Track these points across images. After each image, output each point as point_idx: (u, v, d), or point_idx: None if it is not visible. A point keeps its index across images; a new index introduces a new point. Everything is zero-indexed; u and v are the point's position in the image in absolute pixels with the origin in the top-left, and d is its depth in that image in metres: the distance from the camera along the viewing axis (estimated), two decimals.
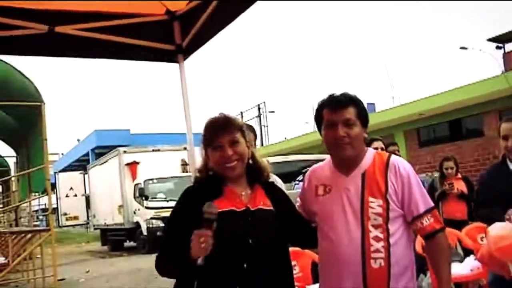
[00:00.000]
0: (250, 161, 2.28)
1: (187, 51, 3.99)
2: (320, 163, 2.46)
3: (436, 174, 7.06)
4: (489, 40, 19.12)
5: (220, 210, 2.04)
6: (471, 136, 15.94)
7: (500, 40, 18.59)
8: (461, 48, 25.79)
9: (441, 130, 17.16)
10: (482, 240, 4.85)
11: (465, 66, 79.20)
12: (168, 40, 3.99)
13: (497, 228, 3.00)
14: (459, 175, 6.85)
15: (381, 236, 2.12)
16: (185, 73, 4.01)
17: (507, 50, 17.99)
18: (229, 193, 2.19)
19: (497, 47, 19.29)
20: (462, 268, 4.96)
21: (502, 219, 3.11)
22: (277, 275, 2.21)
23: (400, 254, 2.15)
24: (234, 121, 2.26)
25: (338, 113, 2.19)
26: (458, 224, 6.00)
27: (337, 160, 2.29)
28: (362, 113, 2.25)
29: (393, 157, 2.29)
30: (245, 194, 2.22)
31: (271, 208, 2.27)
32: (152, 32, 3.94)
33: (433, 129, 17.43)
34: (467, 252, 5.36)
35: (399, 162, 2.26)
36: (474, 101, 14.87)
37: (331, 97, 2.26)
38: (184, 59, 4.01)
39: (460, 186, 6.63)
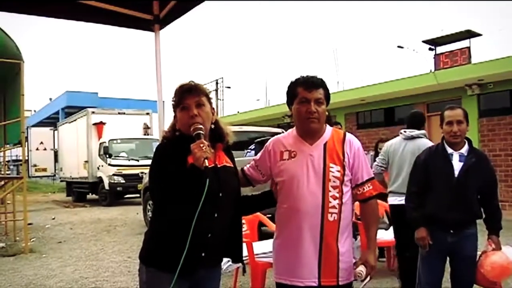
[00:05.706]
0: (212, 126, 2.27)
1: (164, 22, 3.90)
2: (282, 135, 2.57)
3: (372, 153, 7.24)
4: (424, 41, 19.50)
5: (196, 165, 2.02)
6: (402, 123, 16.21)
7: (433, 42, 18.97)
8: (398, 46, 26.43)
9: (377, 115, 17.41)
10: None
11: (401, 62, 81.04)
12: (147, 10, 3.89)
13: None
14: None
15: (337, 195, 2.33)
16: (160, 42, 3.91)
17: (438, 52, 18.38)
18: None
19: (430, 49, 19.67)
20: (387, 235, 5.16)
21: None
22: (235, 224, 2.34)
23: (347, 212, 2.38)
24: (201, 86, 2.26)
25: (312, 92, 2.35)
26: (386, 197, 6.18)
27: (303, 131, 2.42)
28: (328, 95, 2.43)
29: (347, 134, 2.49)
30: (211, 153, 2.20)
31: (232, 166, 2.35)
32: (133, 1, 3.83)
33: (370, 114, 17.72)
34: None
35: (352, 138, 2.47)
36: (406, 93, 15.17)
37: (307, 78, 2.40)
38: (160, 29, 3.92)
39: None
